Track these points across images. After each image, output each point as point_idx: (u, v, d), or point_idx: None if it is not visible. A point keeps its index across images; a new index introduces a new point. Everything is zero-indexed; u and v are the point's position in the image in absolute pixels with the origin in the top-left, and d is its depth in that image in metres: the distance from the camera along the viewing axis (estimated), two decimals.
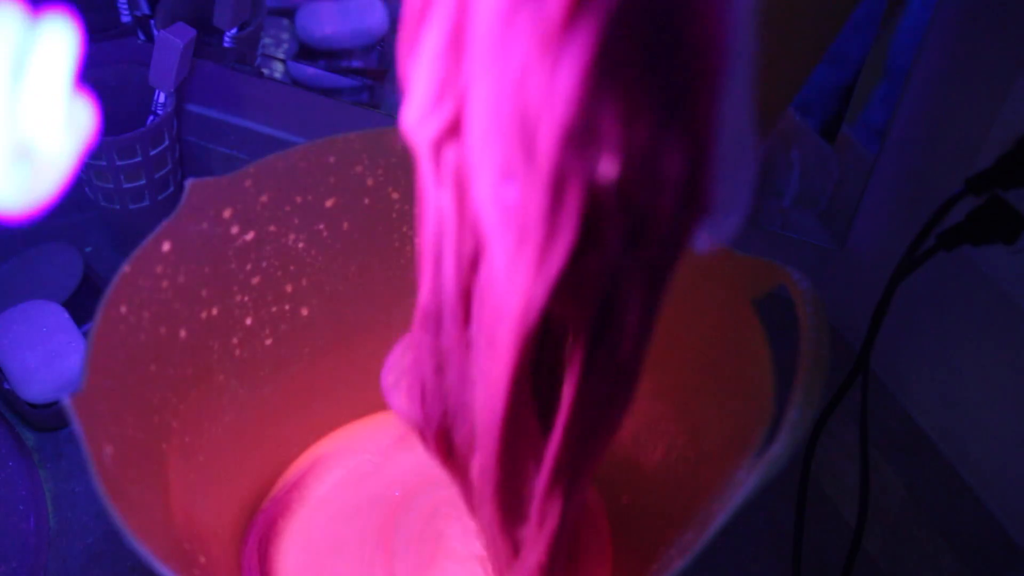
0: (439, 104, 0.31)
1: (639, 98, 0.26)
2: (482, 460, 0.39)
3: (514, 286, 0.31)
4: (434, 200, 0.35)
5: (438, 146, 0.33)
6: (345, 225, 0.59)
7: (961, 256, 0.53)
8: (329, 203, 0.57)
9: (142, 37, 0.78)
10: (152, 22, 0.76)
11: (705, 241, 0.31)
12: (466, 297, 0.36)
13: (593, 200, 0.28)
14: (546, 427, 0.39)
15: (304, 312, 0.60)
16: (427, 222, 0.36)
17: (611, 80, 0.26)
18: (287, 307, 0.59)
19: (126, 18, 0.78)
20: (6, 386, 0.67)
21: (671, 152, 0.27)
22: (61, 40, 0.32)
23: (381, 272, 0.61)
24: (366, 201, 0.58)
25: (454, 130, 0.32)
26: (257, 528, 0.58)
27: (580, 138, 0.27)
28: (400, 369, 0.45)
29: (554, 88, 0.26)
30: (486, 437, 0.38)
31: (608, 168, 0.27)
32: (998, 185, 0.50)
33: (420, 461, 0.61)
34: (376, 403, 0.65)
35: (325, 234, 0.58)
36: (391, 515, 0.59)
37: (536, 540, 0.41)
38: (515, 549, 0.43)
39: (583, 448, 0.38)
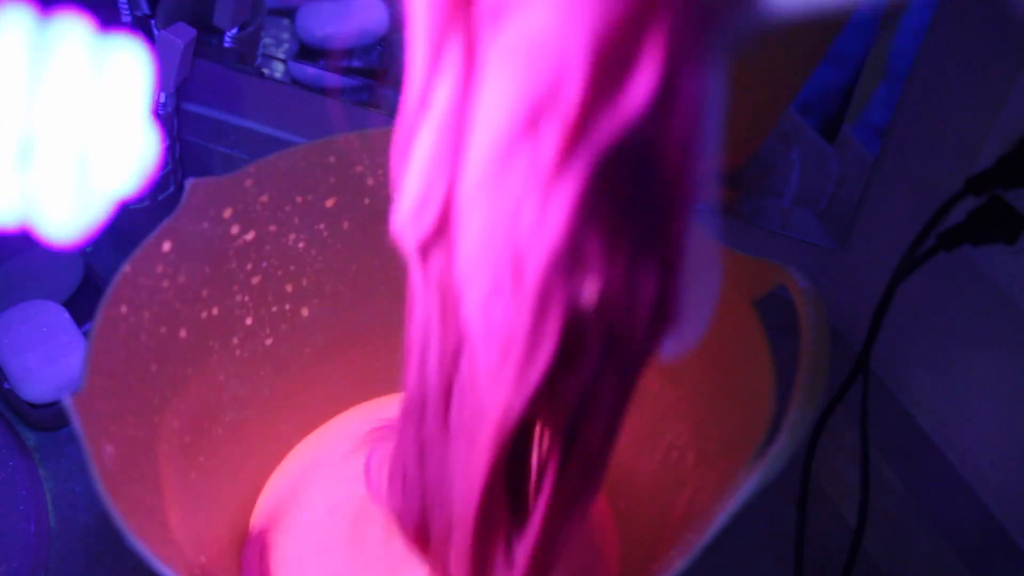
0: (427, 208, 0.34)
1: (619, 229, 0.29)
2: (456, 551, 0.41)
3: (495, 394, 0.34)
4: (421, 298, 0.37)
5: (425, 249, 0.35)
6: (345, 225, 0.59)
7: (961, 256, 0.53)
8: (329, 203, 0.57)
9: (142, 37, 0.78)
10: (152, 22, 0.76)
11: (670, 348, 0.34)
12: (448, 391, 0.38)
13: (573, 319, 0.31)
14: (516, 514, 0.41)
15: (304, 312, 0.60)
16: (413, 317, 0.38)
17: (595, 214, 0.29)
18: (287, 307, 0.59)
19: (126, 18, 0.78)
20: (6, 386, 0.67)
21: (645, 275, 0.30)
22: (138, 67, 0.32)
23: (381, 272, 0.61)
24: (366, 201, 0.58)
25: (441, 233, 0.34)
26: (257, 527, 0.59)
27: (565, 265, 0.30)
28: (383, 457, 0.47)
29: (545, 221, 0.29)
30: (461, 528, 0.40)
31: (590, 292, 0.30)
32: (999, 185, 0.50)
33: None
34: None
35: (325, 234, 0.58)
36: None
37: None
38: None
39: (556, 536, 0.41)
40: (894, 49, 0.61)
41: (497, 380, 0.34)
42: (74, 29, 0.31)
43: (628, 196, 0.29)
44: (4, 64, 0.30)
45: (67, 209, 0.32)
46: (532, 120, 0.28)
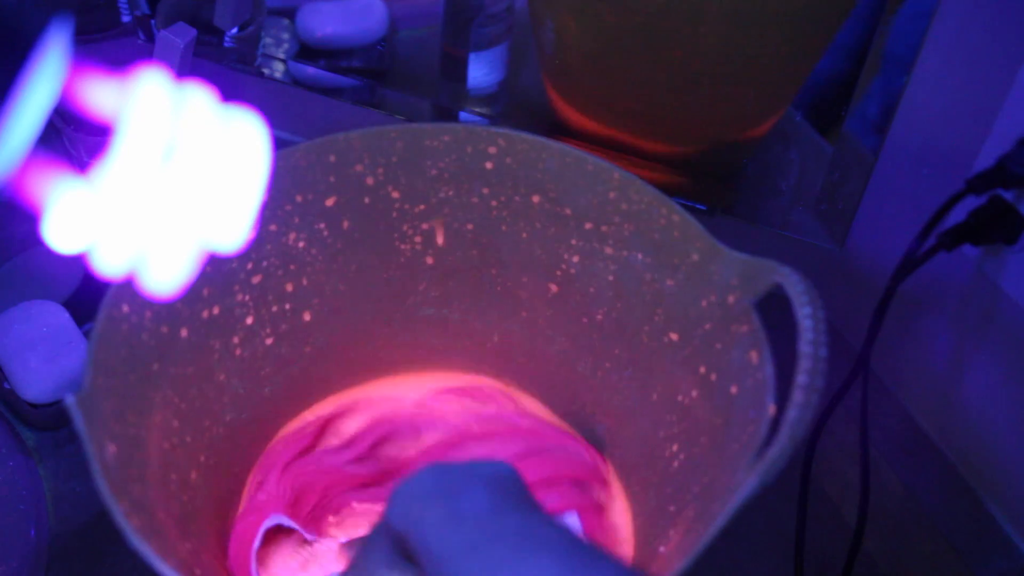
0: None
1: None
2: None
3: None
4: None
5: None
6: (345, 224, 0.59)
7: (961, 256, 0.53)
8: (329, 202, 0.57)
9: (142, 37, 0.78)
10: (152, 22, 0.76)
11: None
12: None
13: None
14: None
15: (304, 311, 0.60)
16: None
17: None
18: (288, 306, 0.59)
19: (126, 18, 0.78)
20: (6, 386, 0.67)
21: None
22: (256, 139, 0.35)
23: (381, 271, 0.61)
24: (366, 200, 0.58)
25: None
26: (258, 527, 0.58)
27: None
28: None
29: None
30: None
31: None
32: (999, 185, 0.50)
33: (419, 458, 0.61)
34: None
35: (325, 233, 0.58)
36: None
37: None
38: None
39: None
40: (890, 39, 0.61)
41: None
42: (201, 95, 0.34)
43: None
44: (142, 123, 0.32)
45: (172, 265, 0.34)
46: None
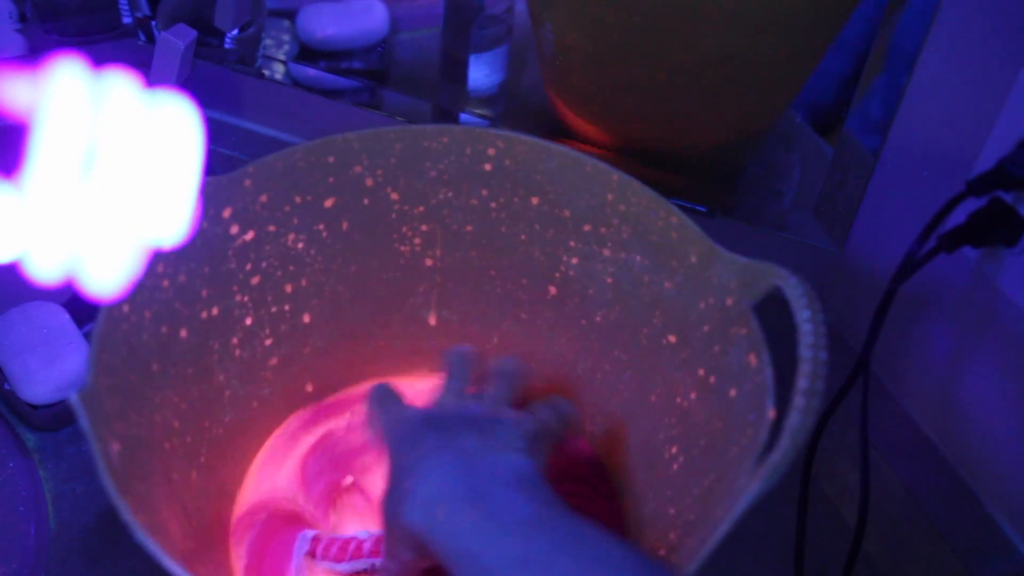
0: None
1: None
2: None
3: None
4: None
5: None
6: (344, 225, 0.59)
7: (961, 258, 0.53)
8: (328, 203, 0.57)
9: (143, 38, 0.78)
10: (153, 23, 0.76)
11: None
12: None
13: None
14: None
15: (304, 312, 0.60)
16: None
17: None
18: (287, 307, 0.59)
19: (127, 19, 0.78)
20: (6, 387, 0.67)
21: None
22: (187, 122, 0.32)
23: (381, 272, 0.61)
24: (365, 201, 0.58)
25: None
26: (258, 527, 0.58)
27: None
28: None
29: None
30: None
31: None
32: (999, 187, 0.50)
33: None
34: None
35: (325, 234, 0.58)
36: None
37: None
38: None
39: None
40: (892, 40, 0.61)
41: None
42: (123, 84, 0.31)
43: None
44: (60, 119, 0.30)
45: (113, 264, 0.32)
46: None
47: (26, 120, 0.30)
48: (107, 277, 0.33)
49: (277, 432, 0.62)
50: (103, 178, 0.31)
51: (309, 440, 0.62)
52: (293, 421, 0.63)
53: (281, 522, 0.57)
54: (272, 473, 0.60)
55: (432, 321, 0.64)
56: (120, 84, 0.31)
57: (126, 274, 0.33)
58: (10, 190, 0.30)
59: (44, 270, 0.31)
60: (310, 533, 0.56)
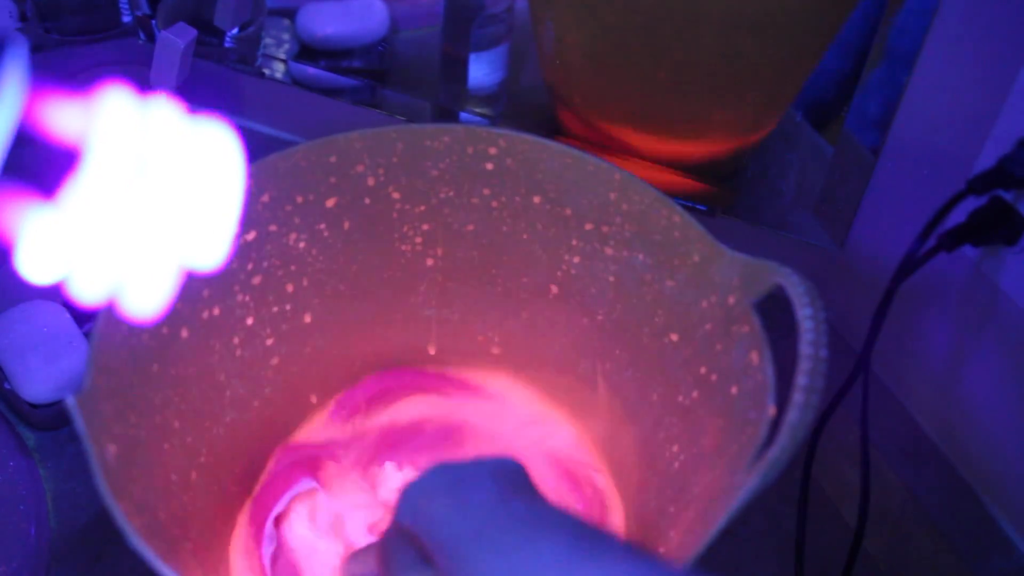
0: None
1: None
2: None
3: None
4: None
5: None
6: (346, 225, 0.59)
7: (961, 257, 0.54)
8: (330, 203, 0.57)
9: (143, 37, 0.78)
10: (153, 22, 0.76)
11: None
12: None
13: None
14: None
15: (305, 312, 0.60)
16: None
17: None
18: (288, 307, 0.59)
19: (127, 18, 0.78)
20: (7, 386, 0.67)
21: None
22: (228, 148, 0.34)
23: (381, 272, 0.61)
24: (367, 201, 0.58)
25: None
26: (258, 527, 0.58)
27: None
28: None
29: None
30: None
31: None
32: (1000, 186, 0.50)
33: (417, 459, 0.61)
34: None
35: (326, 234, 0.58)
36: None
37: None
38: None
39: None
40: (892, 34, 0.61)
41: None
42: (167, 110, 0.32)
43: None
44: (109, 144, 0.31)
45: (152, 287, 0.33)
46: None
47: (71, 144, 0.31)
48: (146, 300, 0.34)
49: (279, 434, 0.63)
50: (146, 202, 0.32)
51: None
52: (295, 423, 0.63)
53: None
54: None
55: (433, 320, 0.64)
56: (165, 108, 0.33)
57: (164, 297, 0.34)
58: (54, 212, 0.31)
59: (87, 292, 0.32)
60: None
